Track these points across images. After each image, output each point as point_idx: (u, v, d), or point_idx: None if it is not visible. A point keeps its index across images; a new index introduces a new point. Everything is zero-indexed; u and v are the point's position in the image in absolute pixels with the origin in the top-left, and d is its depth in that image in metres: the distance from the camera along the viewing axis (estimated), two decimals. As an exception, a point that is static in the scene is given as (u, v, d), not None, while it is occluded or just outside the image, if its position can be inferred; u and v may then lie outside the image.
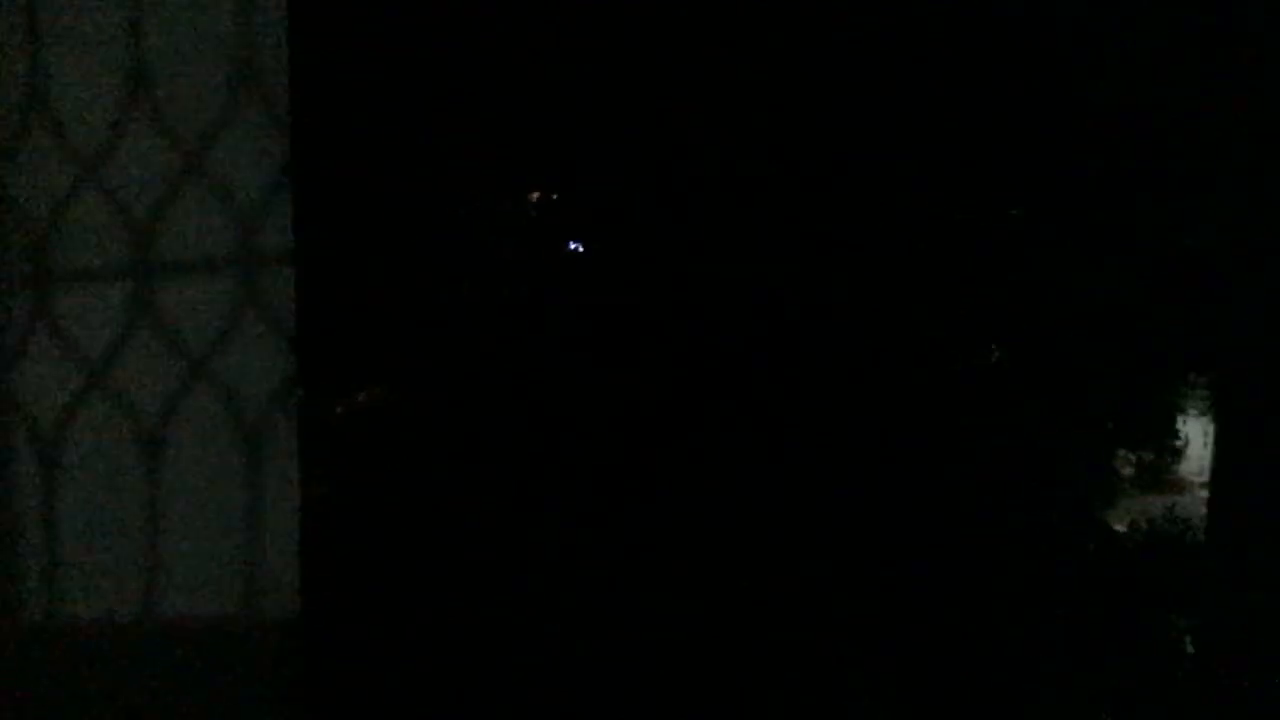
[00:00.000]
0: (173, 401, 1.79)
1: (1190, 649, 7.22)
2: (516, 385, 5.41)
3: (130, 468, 1.80)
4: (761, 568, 5.31)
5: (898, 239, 5.31)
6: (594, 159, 5.41)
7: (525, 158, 5.40)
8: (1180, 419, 9.62)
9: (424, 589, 5.14)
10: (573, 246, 5.44)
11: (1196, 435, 13.90)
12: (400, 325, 5.18)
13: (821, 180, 5.34)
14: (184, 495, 1.79)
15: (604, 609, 5.51)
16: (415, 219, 5.25)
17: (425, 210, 5.27)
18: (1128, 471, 7.72)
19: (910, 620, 5.45)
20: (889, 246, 5.28)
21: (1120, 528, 7.36)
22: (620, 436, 5.46)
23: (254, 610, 1.78)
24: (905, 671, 5.80)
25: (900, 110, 5.36)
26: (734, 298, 5.38)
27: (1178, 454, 10.85)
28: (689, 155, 5.50)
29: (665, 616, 5.50)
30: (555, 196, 5.53)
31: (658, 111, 5.40)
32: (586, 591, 5.46)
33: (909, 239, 5.33)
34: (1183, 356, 6.83)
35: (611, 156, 5.40)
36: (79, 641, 1.80)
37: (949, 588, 5.38)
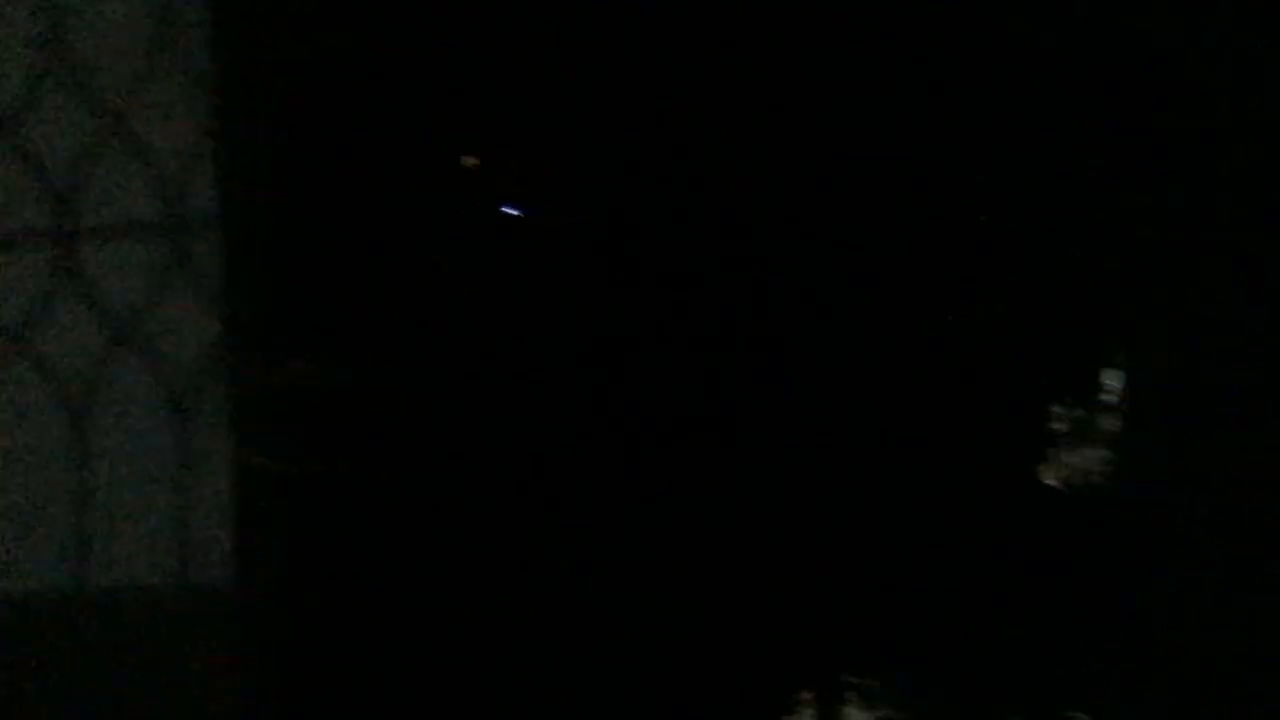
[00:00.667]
0: (98, 368, 1.75)
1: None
2: (482, 363, 5.35)
3: (56, 436, 1.76)
4: (714, 549, 5.32)
5: (836, 206, 5.32)
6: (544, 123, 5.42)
7: (468, 118, 5.38)
8: (1110, 373, 9.74)
9: (377, 568, 5.11)
10: (508, 210, 5.41)
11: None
12: (343, 292, 5.13)
13: (756, 169, 5.35)
14: (112, 463, 1.75)
15: (569, 603, 5.47)
16: (377, 189, 5.19)
17: (387, 181, 5.23)
18: (1060, 427, 7.76)
19: (855, 584, 5.48)
20: (827, 214, 5.29)
21: (1053, 483, 7.35)
22: (584, 422, 5.43)
23: (185, 579, 1.75)
24: (858, 638, 5.83)
25: (851, 99, 5.37)
26: (691, 281, 5.40)
27: (1109, 409, 10.97)
28: (648, 141, 5.51)
29: (637, 610, 5.52)
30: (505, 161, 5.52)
31: (618, 97, 5.40)
32: (545, 583, 5.42)
33: (847, 215, 5.35)
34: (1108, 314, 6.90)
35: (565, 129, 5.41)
36: (7, 613, 1.76)
37: (890, 553, 5.41)
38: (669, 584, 5.59)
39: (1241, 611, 2.94)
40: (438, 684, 6.23)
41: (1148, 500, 3.34)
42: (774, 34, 5.96)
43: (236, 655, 1.74)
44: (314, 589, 5.27)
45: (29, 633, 1.76)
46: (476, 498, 5.67)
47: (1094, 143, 5.27)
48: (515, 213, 5.26)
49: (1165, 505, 3.15)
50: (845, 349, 5.56)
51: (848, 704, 6.36)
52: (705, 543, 5.72)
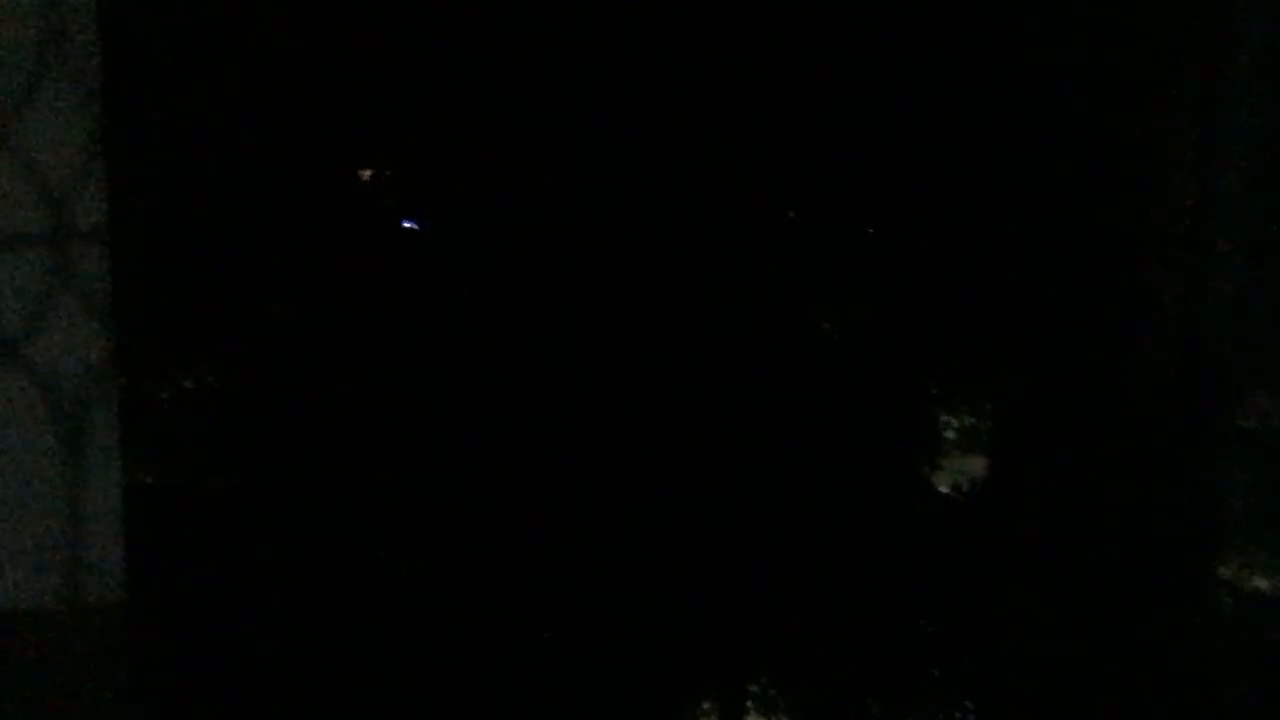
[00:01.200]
0: None
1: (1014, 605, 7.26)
2: (356, 370, 4.51)
3: None
4: (616, 547, 4.84)
5: (728, 207, 5.02)
6: (441, 133, 4.72)
7: (358, 131, 4.56)
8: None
9: (256, 582, 4.21)
10: (407, 225, 4.68)
11: None
12: (232, 306, 4.12)
13: (647, 163, 4.99)
14: (0, 483, 1.72)
15: (482, 604, 4.79)
16: (244, 192, 4.26)
17: (255, 183, 4.30)
18: (950, 435, 7.49)
19: (738, 585, 5.16)
20: (720, 215, 4.98)
21: (944, 489, 7.09)
22: (462, 422, 4.77)
23: (78, 600, 1.75)
24: (742, 637, 5.49)
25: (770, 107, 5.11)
26: (572, 275, 4.89)
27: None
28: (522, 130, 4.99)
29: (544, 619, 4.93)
30: (389, 173, 4.72)
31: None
32: (431, 592, 4.72)
33: (739, 209, 5.06)
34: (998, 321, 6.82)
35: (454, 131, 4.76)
36: None
37: (779, 556, 5.14)
38: (574, 589, 5.28)
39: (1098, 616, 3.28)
40: (335, 695, 5.56)
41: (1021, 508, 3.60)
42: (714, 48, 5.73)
43: (129, 674, 1.78)
44: (205, 604, 4.59)
45: None
46: (366, 506, 5.13)
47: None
48: (412, 226, 4.87)
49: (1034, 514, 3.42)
50: (740, 355, 5.51)
51: (748, 711, 6.23)
52: (607, 555, 5.45)
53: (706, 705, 6.53)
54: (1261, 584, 6.15)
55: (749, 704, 6.62)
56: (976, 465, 8.13)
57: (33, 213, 1.69)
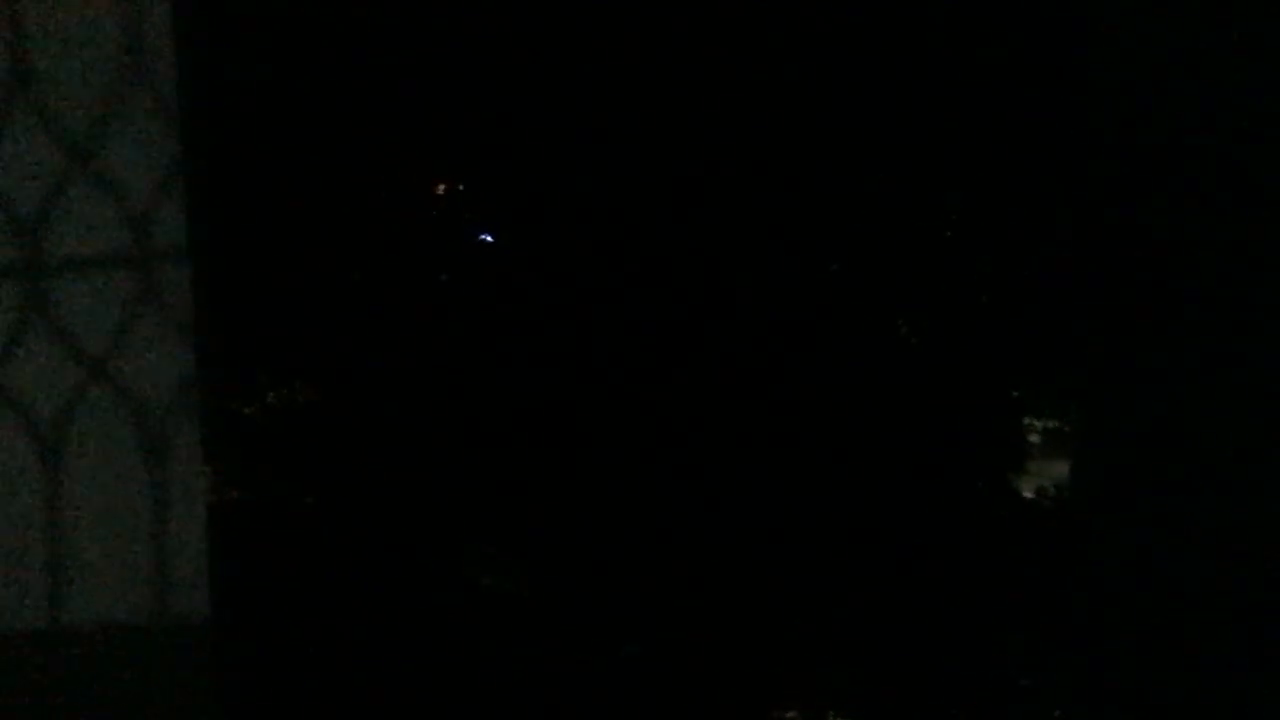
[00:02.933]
0: (70, 405, 1.73)
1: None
2: (437, 382, 4.59)
3: (29, 474, 1.72)
4: (697, 556, 4.86)
5: (807, 219, 5.07)
6: (510, 148, 4.80)
7: (434, 147, 4.65)
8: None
9: (342, 598, 4.29)
10: (483, 237, 4.78)
11: None
12: (312, 321, 4.22)
13: (729, 162, 5.02)
14: (85, 500, 1.73)
15: (550, 614, 4.83)
16: (325, 209, 4.35)
17: (336, 201, 4.38)
18: (1035, 439, 7.50)
19: (830, 595, 5.19)
20: (798, 226, 5.02)
21: (1028, 494, 7.13)
22: (549, 431, 4.81)
23: (162, 616, 1.76)
24: (829, 645, 5.51)
25: (812, 98, 5.13)
26: (646, 287, 4.95)
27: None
28: (601, 146, 5.07)
29: (617, 617, 4.98)
30: (462, 187, 4.80)
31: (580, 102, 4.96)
32: (527, 600, 4.77)
33: (817, 219, 5.10)
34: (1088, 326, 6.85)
35: (527, 145, 4.83)
36: None
37: (865, 561, 5.17)
38: (645, 595, 5.33)
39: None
40: (417, 710, 5.64)
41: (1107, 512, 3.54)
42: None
43: (215, 691, 1.79)
44: (291, 619, 4.68)
45: (5, 672, 1.71)
46: (451, 518, 5.21)
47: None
48: (489, 239, 4.94)
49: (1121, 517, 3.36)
50: (826, 363, 5.55)
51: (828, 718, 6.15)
52: (685, 558, 5.50)
53: (791, 715, 6.51)
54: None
55: (831, 713, 6.59)
56: (1060, 469, 8.03)
57: (116, 233, 1.71)
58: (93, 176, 1.69)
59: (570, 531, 5.45)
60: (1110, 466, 3.33)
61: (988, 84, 5.66)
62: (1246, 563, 3.13)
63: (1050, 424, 7.68)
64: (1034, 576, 5.80)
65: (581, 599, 5.54)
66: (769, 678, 6.00)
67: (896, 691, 6.11)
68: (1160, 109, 3.27)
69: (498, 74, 5.23)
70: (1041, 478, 7.33)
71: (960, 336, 6.09)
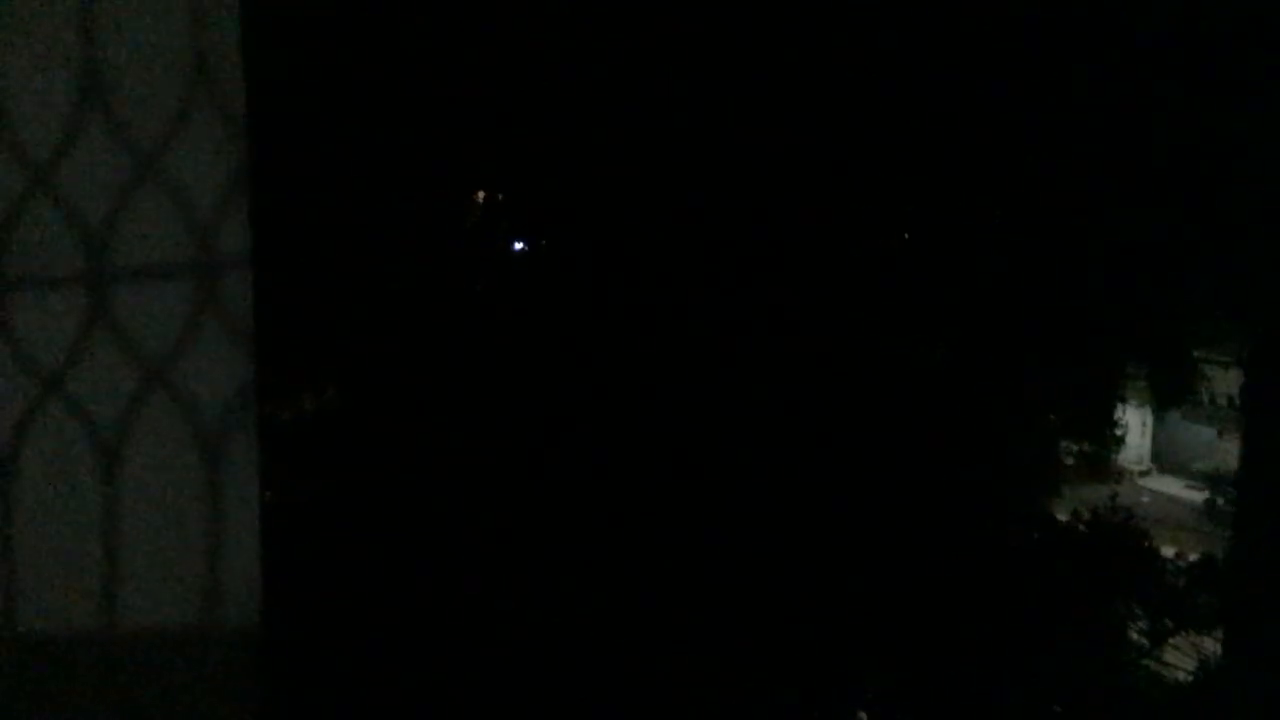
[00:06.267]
0: (131, 411, 1.75)
1: (1136, 636, 7.33)
2: (471, 386, 4.68)
3: (88, 478, 1.74)
4: (719, 565, 4.93)
5: (842, 242, 5.15)
6: (539, 160, 4.88)
7: (471, 159, 4.74)
8: (1119, 409, 8.55)
9: (381, 595, 4.36)
10: (517, 246, 4.88)
11: (1135, 425, 13.57)
12: (345, 328, 4.31)
13: (763, 183, 5.09)
14: (143, 505, 1.75)
15: (576, 612, 4.90)
16: (357, 217, 4.43)
17: (367, 209, 4.47)
18: (1069, 462, 7.60)
19: (867, 612, 5.25)
20: (834, 250, 5.10)
21: (1063, 517, 7.22)
22: (578, 435, 4.88)
23: (215, 621, 1.78)
24: (864, 660, 5.59)
25: (837, 116, 5.18)
26: (678, 299, 5.02)
27: (1118, 443, 9.76)
28: (627, 160, 5.14)
29: (638, 618, 5.04)
30: (500, 196, 4.90)
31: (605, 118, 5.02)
32: (556, 596, 4.85)
33: (853, 242, 5.19)
34: (1122, 349, 6.91)
35: (555, 158, 4.91)
36: (37, 653, 1.71)
37: (903, 581, 5.24)
38: (667, 601, 5.40)
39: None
40: (463, 711, 5.67)
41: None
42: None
43: (262, 696, 1.81)
44: (345, 624, 4.73)
45: (58, 670, 1.73)
46: (508, 526, 5.26)
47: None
48: (523, 246, 4.99)
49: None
50: (858, 379, 5.63)
51: None
52: (707, 567, 5.58)
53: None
54: None
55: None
56: (1098, 493, 8.07)
57: (181, 242, 1.73)
58: (159, 185, 1.70)
59: (595, 539, 5.46)
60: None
61: (1041, 104, 5.68)
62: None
63: (1086, 446, 7.70)
64: (1069, 598, 5.82)
65: (607, 607, 5.55)
66: (802, 696, 6.01)
67: (930, 710, 6.11)
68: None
69: (530, 85, 5.28)
70: (1075, 500, 7.36)
71: (996, 361, 6.10)
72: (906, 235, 6.28)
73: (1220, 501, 23.88)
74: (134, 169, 1.70)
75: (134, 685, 1.72)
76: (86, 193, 1.69)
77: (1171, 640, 8.02)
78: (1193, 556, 9.19)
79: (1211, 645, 8.56)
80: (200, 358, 1.74)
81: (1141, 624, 7.74)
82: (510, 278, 5.53)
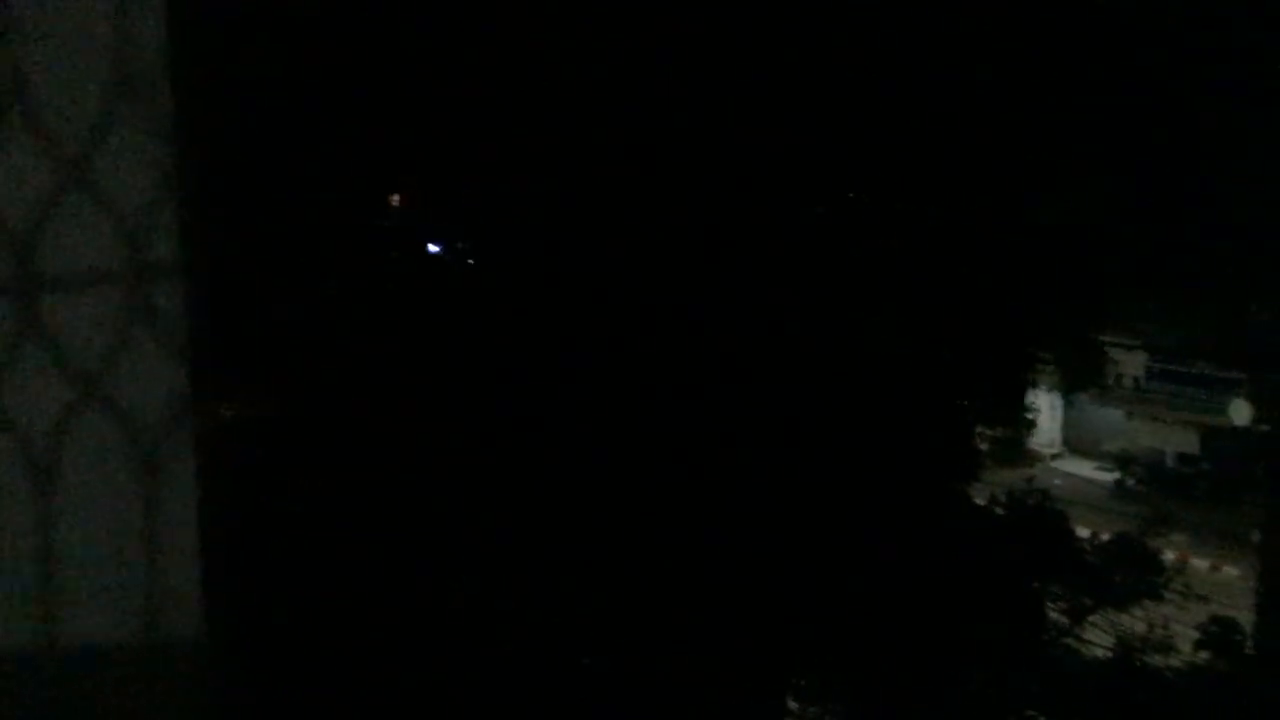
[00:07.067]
0: (63, 422, 1.72)
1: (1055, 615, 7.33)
2: (451, 400, 4.59)
3: (20, 492, 1.70)
4: (630, 557, 4.87)
5: (753, 231, 5.11)
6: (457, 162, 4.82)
7: (388, 162, 4.67)
8: (1030, 394, 8.70)
9: (303, 602, 4.26)
10: (432, 249, 4.80)
11: (1046, 409, 13.62)
12: (263, 335, 4.18)
13: (672, 177, 5.05)
14: (78, 519, 1.72)
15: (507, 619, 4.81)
16: (273, 221, 4.33)
17: (282, 213, 4.37)
18: (984, 447, 7.57)
19: (779, 600, 5.22)
20: (745, 239, 5.06)
21: (980, 501, 7.20)
22: (502, 433, 4.81)
23: (158, 634, 1.75)
24: (777, 649, 5.54)
25: (738, 110, 5.14)
26: (592, 297, 4.97)
27: (1030, 427, 9.93)
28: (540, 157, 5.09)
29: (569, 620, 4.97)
30: (418, 198, 4.82)
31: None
32: (486, 603, 4.76)
33: (763, 232, 5.15)
34: (1033, 335, 6.91)
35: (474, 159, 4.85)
36: None
37: (819, 570, 5.21)
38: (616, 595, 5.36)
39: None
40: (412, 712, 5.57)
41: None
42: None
43: (210, 710, 1.78)
44: (286, 635, 4.65)
45: None
46: (444, 534, 5.20)
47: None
48: (438, 250, 4.91)
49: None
50: (771, 370, 5.62)
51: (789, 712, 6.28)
52: (647, 561, 5.55)
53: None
54: None
55: (792, 702, 6.61)
56: (1013, 477, 8.19)
57: (109, 249, 1.70)
58: (86, 190, 1.67)
59: (553, 529, 5.46)
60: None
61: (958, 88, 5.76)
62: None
63: (1001, 432, 7.81)
64: (990, 580, 5.90)
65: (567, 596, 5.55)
66: (731, 686, 6.04)
67: (856, 693, 6.17)
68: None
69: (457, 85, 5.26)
70: (992, 484, 7.45)
71: (911, 349, 6.17)
72: (818, 221, 6.33)
73: (1129, 481, 24.21)
74: (59, 174, 1.67)
75: (76, 703, 1.68)
76: (11, 199, 1.65)
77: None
78: (1105, 536, 9.37)
79: (1128, 622, 8.71)
80: (133, 367, 1.71)
81: (1061, 603, 7.87)
82: (428, 279, 5.52)
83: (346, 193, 5.11)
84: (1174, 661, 8.36)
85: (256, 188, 4.69)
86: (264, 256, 4.78)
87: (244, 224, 4.68)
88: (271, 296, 4.80)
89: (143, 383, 1.72)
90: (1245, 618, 9.28)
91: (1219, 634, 8.20)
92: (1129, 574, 8.57)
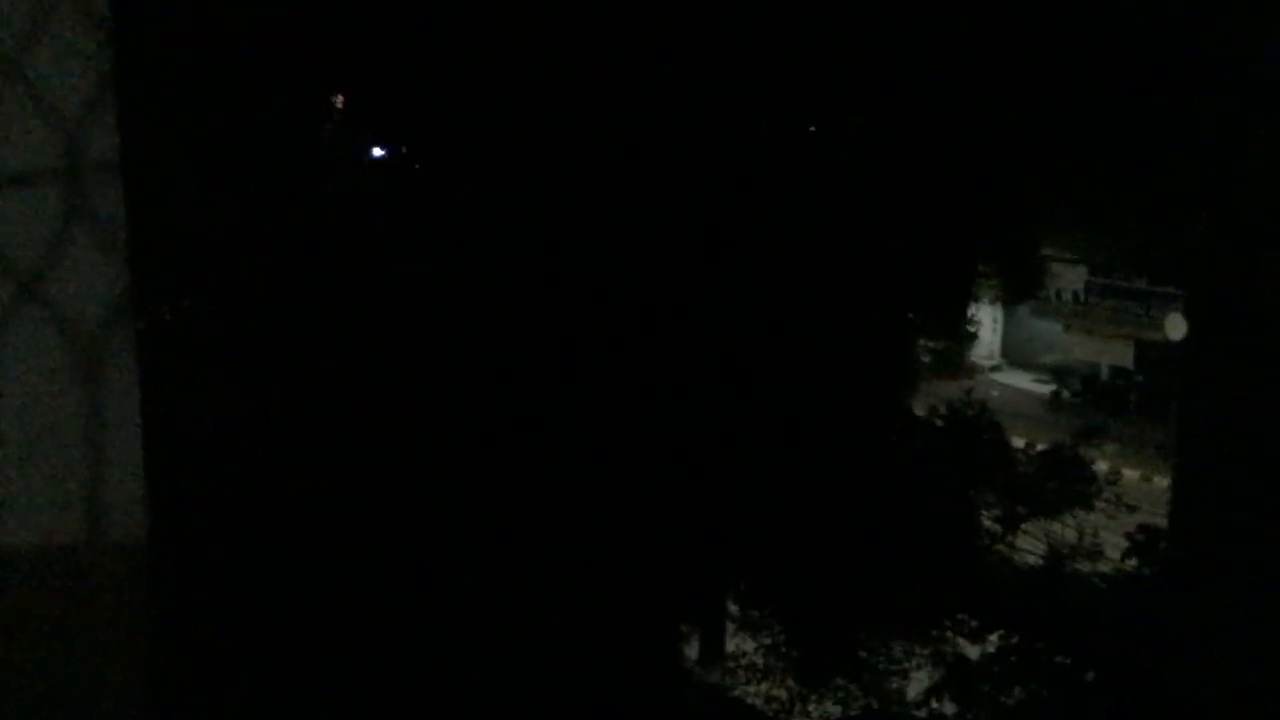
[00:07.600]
0: (2, 325, 1.70)
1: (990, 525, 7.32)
2: (384, 303, 4.46)
3: None
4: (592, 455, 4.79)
5: (696, 143, 4.98)
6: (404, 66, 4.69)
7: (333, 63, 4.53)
8: (972, 307, 8.62)
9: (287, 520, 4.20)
10: (377, 152, 4.67)
11: (987, 322, 13.57)
12: (204, 237, 4.06)
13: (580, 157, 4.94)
14: (18, 419, 1.71)
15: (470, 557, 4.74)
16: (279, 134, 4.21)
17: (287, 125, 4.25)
18: (925, 359, 7.52)
19: (731, 508, 5.16)
20: (689, 150, 4.93)
21: (920, 413, 7.18)
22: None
23: (99, 535, 1.74)
24: (728, 555, 5.49)
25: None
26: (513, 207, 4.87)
27: (971, 339, 10.16)
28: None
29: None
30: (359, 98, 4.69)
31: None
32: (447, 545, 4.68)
33: (705, 143, 5.02)
34: (975, 247, 6.81)
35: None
36: None
37: (761, 477, 5.16)
38: (555, 522, 5.30)
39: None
40: (350, 643, 5.54)
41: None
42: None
43: (149, 607, 1.78)
44: (223, 544, 4.58)
45: None
46: (380, 445, 5.13)
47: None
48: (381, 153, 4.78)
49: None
50: (718, 280, 5.53)
51: (732, 634, 6.34)
52: (597, 487, 5.47)
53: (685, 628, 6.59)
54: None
55: (730, 625, 6.68)
56: (952, 388, 8.21)
57: (44, 147, 1.67)
58: (20, 90, 1.64)
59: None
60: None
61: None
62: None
63: (941, 344, 7.83)
64: (927, 489, 5.95)
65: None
66: (668, 606, 6.07)
67: (788, 607, 6.23)
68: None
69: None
70: (932, 397, 7.49)
71: (855, 261, 6.18)
72: (760, 134, 6.28)
73: (1065, 394, 24.42)
74: (-8, 72, 1.63)
75: (16, 604, 1.68)
76: (-52, 100, 1.62)
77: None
78: (1041, 446, 9.50)
79: (1058, 529, 8.85)
80: (72, 268, 1.69)
81: (995, 511, 7.99)
82: (368, 184, 5.44)
83: (291, 94, 5.03)
84: (1102, 567, 8.51)
85: (199, 88, 4.61)
86: (205, 160, 4.70)
87: (183, 124, 4.60)
88: (212, 200, 4.73)
89: (82, 284, 1.70)
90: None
91: (1144, 541, 8.34)
92: (1062, 483, 8.69)
